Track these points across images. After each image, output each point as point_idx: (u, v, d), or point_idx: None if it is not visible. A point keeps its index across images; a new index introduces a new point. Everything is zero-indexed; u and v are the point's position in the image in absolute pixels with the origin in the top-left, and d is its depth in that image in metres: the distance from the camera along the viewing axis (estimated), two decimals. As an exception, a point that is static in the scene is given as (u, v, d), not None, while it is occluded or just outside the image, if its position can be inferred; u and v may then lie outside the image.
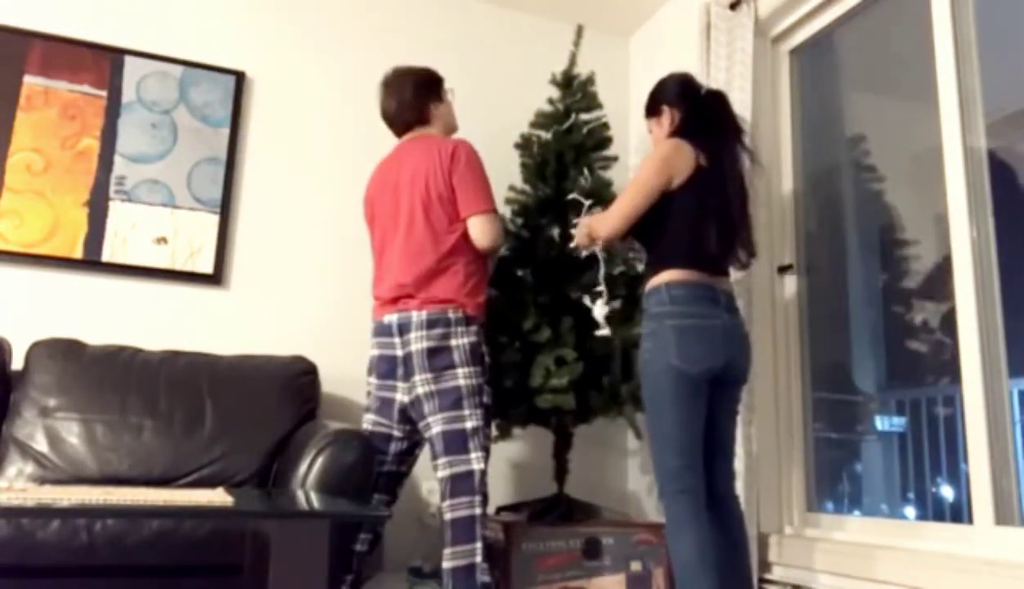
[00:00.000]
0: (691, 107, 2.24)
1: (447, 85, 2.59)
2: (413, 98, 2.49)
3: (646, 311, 2.10)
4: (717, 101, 2.26)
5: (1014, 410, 1.98)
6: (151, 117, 2.96)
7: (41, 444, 2.34)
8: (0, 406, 2.41)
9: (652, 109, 2.32)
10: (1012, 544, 1.90)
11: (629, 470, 3.39)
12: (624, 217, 2.12)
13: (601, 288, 2.38)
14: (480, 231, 2.33)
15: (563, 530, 2.54)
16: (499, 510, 2.79)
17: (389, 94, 2.53)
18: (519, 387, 2.57)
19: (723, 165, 2.13)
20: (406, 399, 2.32)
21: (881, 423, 2.43)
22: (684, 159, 2.10)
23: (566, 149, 2.79)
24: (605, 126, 2.86)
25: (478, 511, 2.20)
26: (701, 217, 2.07)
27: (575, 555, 2.54)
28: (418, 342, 2.26)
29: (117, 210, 2.85)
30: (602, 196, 2.67)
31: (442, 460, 2.24)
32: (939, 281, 2.21)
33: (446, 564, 2.16)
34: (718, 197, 2.10)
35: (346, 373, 2.99)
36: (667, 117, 2.27)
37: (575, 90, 2.87)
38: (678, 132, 2.20)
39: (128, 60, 2.96)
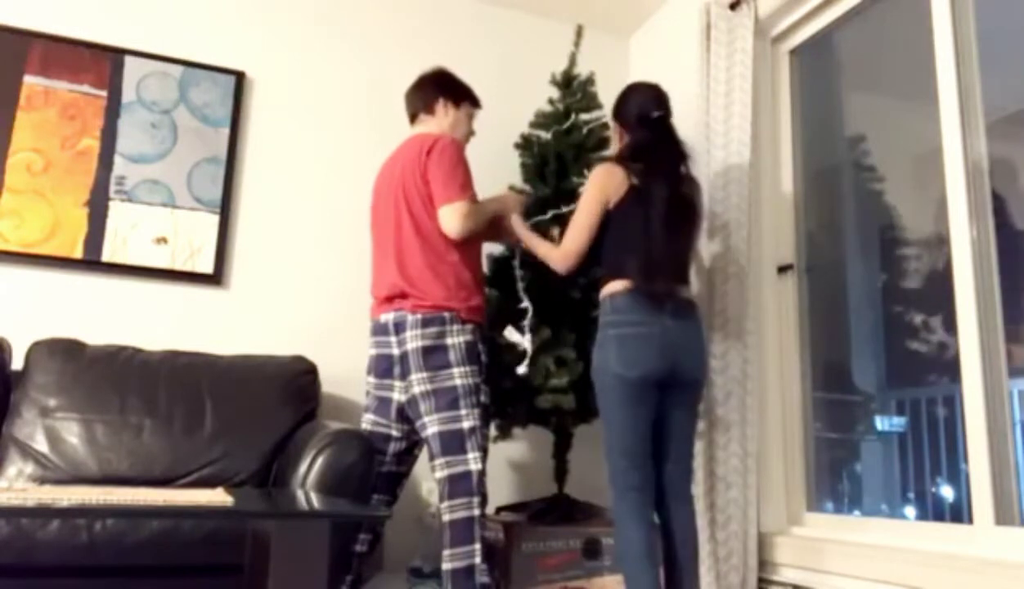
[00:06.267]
0: (639, 138, 2.32)
1: (476, 110, 2.60)
2: (430, 85, 2.54)
3: (599, 321, 2.21)
4: (663, 129, 2.33)
5: (1014, 410, 1.98)
6: (151, 117, 2.96)
7: (41, 444, 2.34)
8: (0, 406, 2.41)
9: (614, 115, 2.43)
10: (1012, 544, 1.90)
11: (629, 470, 3.38)
12: (577, 252, 2.27)
13: (525, 304, 2.54)
14: (444, 220, 2.30)
15: (563, 530, 2.54)
16: (499, 510, 2.79)
17: (416, 79, 2.58)
18: (519, 387, 2.57)
19: (654, 187, 2.22)
20: (403, 398, 2.32)
21: (881, 423, 2.43)
22: (615, 182, 2.22)
23: (566, 149, 2.79)
24: (605, 126, 2.86)
25: (476, 512, 2.20)
26: (638, 231, 2.18)
27: (575, 555, 2.54)
28: (414, 340, 2.26)
29: (117, 210, 2.85)
30: None
31: (439, 461, 2.24)
32: (939, 281, 2.21)
33: (445, 565, 2.16)
34: (649, 214, 2.19)
35: (346, 373, 2.99)
36: (617, 134, 2.41)
37: (575, 90, 2.87)
38: (622, 154, 2.32)
39: (128, 60, 2.96)
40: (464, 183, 2.33)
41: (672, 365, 2.12)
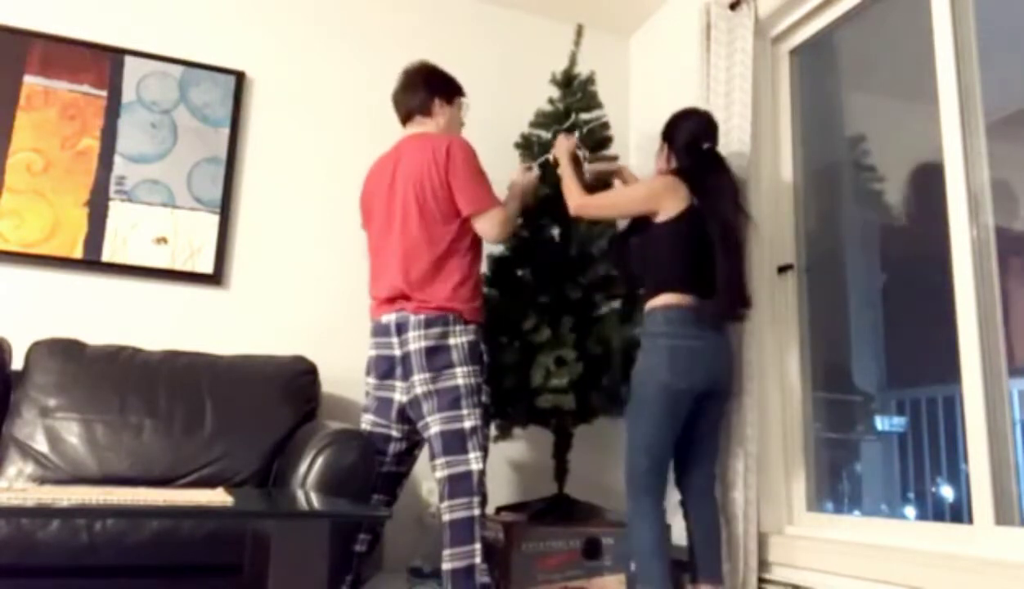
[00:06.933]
0: (689, 165, 2.41)
1: (464, 100, 2.61)
2: (422, 85, 2.52)
3: (645, 330, 2.33)
4: (715, 162, 2.42)
5: (1014, 410, 1.98)
6: (151, 117, 2.96)
7: (41, 444, 2.34)
8: (0, 406, 2.41)
9: (664, 136, 2.52)
10: (1012, 544, 1.90)
11: (629, 470, 3.38)
12: (595, 215, 2.49)
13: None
14: (486, 227, 2.36)
15: (563, 530, 2.54)
16: (499, 510, 2.79)
17: (403, 78, 2.57)
18: (519, 387, 2.57)
19: (709, 213, 2.32)
20: (404, 399, 2.32)
21: (881, 423, 2.43)
22: (675, 197, 2.32)
23: (566, 149, 2.78)
24: (605, 126, 2.86)
25: (476, 512, 2.20)
26: (692, 249, 2.28)
27: (575, 555, 2.54)
28: (416, 341, 2.26)
29: (117, 210, 2.85)
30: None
31: (440, 460, 2.24)
32: (939, 281, 2.21)
33: (445, 565, 2.16)
34: (705, 237, 2.30)
35: (346, 373, 2.99)
36: (664, 156, 2.51)
37: (575, 90, 2.87)
38: (675, 173, 2.41)
39: (128, 60, 2.96)
40: (490, 188, 2.39)
41: (713, 378, 2.28)
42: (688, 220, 2.31)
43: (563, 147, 2.63)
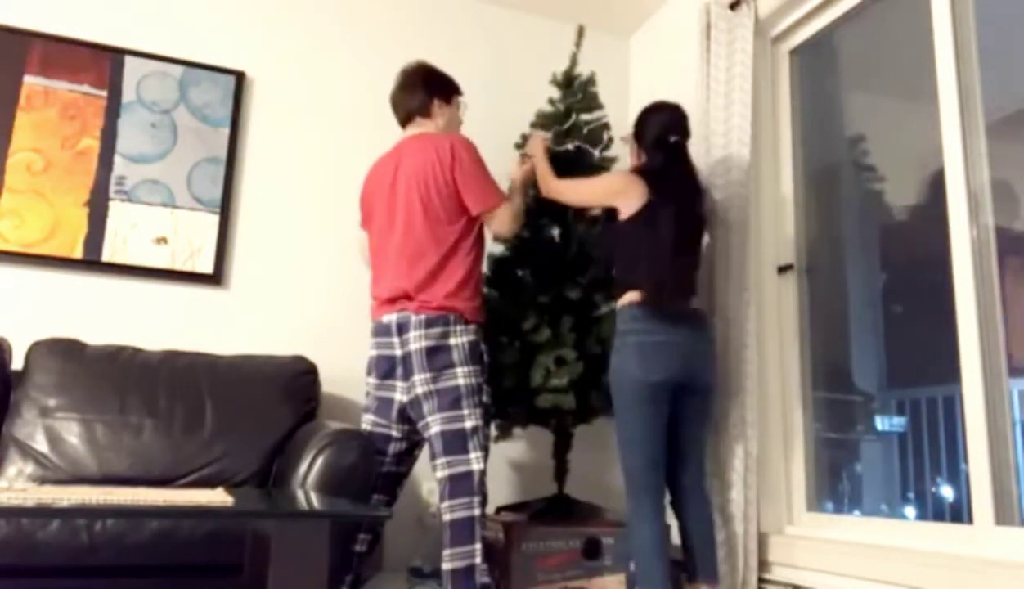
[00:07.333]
0: (656, 161, 2.43)
1: (462, 99, 2.62)
2: (421, 87, 2.53)
3: (616, 328, 2.33)
4: (677, 154, 2.44)
5: (1014, 410, 1.98)
6: (151, 117, 2.96)
7: (41, 444, 2.34)
8: (0, 406, 2.41)
9: (634, 132, 2.53)
10: (1012, 544, 1.90)
11: (629, 470, 3.38)
12: (566, 199, 2.50)
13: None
14: (497, 224, 2.40)
15: (563, 530, 2.54)
16: (499, 510, 2.79)
17: (401, 80, 2.57)
18: (519, 387, 2.57)
19: (664, 209, 2.32)
20: (405, 399, 2.32)
21: (881, 423, 2.43)
22: (631, 194, 2.34)
23: (566, 149, 2.79)
24: (605, 126, 2.86)
25: (477, 512, 2.20)
26: (650, 249, 2.30)
27: (575, 555, 2.54)
28: (417, 341, 2.26)
29: (117, 210, 2.86)
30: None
31: (441, 460, 2.24)
32: (939, 281, 2.21)
33: (445, 565, 2.16)
34: (666, 232, 2.30)
35: (346, 373, 2.99)
36: (634, 154, 2.53)
37: (575, 90, 2.87)
38: (638, 171, 2.43)
39: (128, 60, 2.96)
40: (496, 185, 2.42)
41: (689, 371, 2.26)
42: (647, 216, 2.31)
43: (534, 142, 2.67)
